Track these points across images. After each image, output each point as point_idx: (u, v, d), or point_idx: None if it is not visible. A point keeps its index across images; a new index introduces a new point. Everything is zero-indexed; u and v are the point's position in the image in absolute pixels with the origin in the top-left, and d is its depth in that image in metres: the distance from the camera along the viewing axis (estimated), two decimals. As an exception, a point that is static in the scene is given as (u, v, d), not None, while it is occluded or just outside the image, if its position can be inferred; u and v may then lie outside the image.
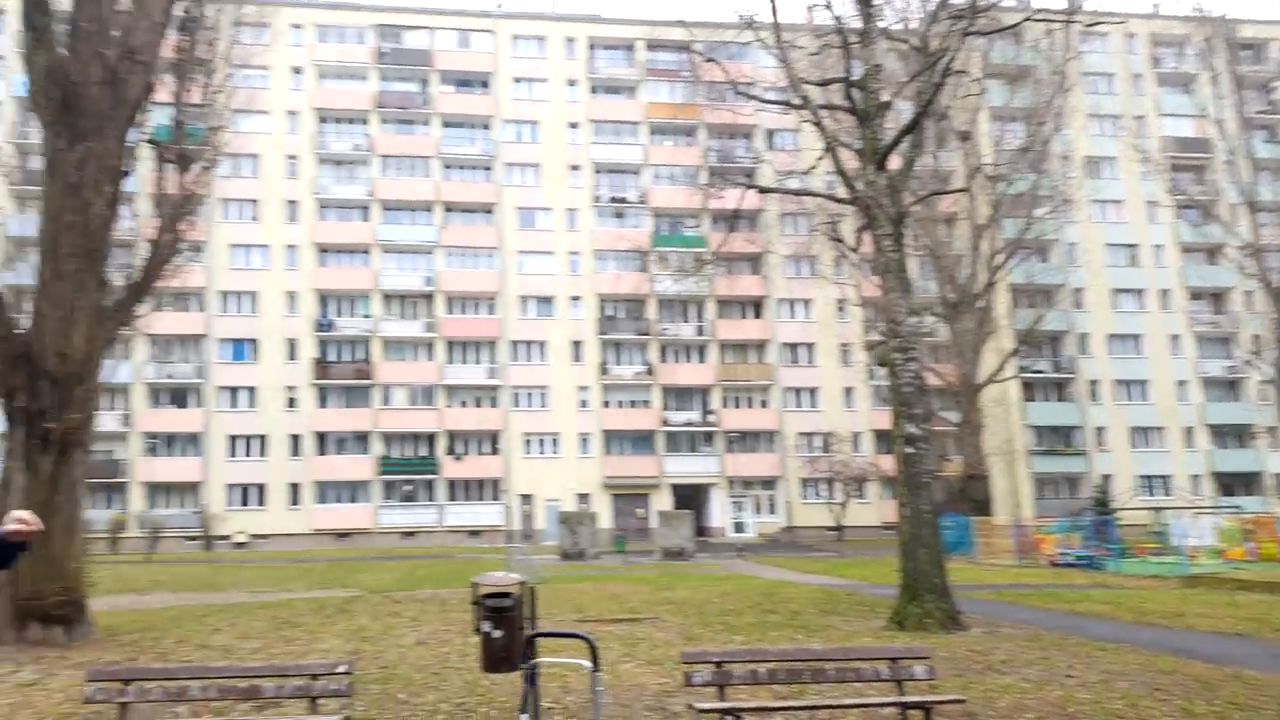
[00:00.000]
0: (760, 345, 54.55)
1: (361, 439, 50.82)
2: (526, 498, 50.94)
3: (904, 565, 14.81)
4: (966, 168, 39.21)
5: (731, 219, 22.76)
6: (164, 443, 49.51)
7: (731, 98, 27.30)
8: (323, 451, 50.36)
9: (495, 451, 51.54)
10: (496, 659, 6.19)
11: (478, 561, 32.00)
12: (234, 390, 50.29)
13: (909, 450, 14.94)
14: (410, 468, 50.73)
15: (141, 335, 45.83)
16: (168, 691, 6.77)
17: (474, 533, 49.44)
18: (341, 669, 6.74)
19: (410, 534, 49.43)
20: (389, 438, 51.11)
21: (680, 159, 55.87)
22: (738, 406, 53.98)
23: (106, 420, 48.75)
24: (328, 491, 50.15)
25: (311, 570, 29.90)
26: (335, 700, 6.82)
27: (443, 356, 52.15)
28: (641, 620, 14.98)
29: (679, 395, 53.57)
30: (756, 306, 54.84)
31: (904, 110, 22.92)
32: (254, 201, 52.07)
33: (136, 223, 16.12)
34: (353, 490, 50.39)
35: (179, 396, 50.21)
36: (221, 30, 18.86)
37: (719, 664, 7.24)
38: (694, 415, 53.23)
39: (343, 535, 48.80)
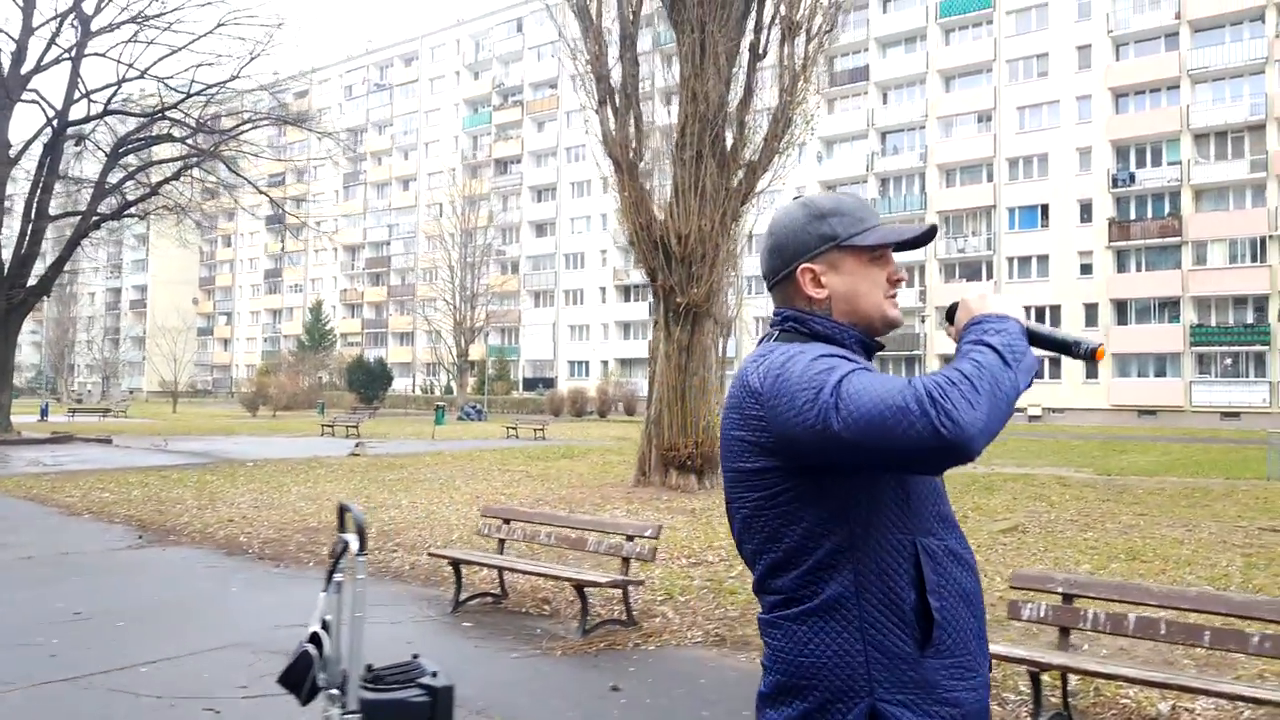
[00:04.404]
0: None
1: (1167, 305, 44.46)
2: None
3: None
4: None
5: None
6: (957, 316, 50.22)
7: None
8: (1122, 321, 45.52)
9: (1354, 316, 40.12)
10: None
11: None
12: (1024, 260, 48.43)
13: None
14: (1232, 337, 42.66)
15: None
16: (525, 532, 7.81)
17: (1318, 417, 39.39)
18: (649, 533, 6.76)
19: (1231, 414, 41.69)
20: (1202, 303, 43.71)
21: None
22: None
23: (907, 297, 51.60)
24: (1129, 364, 45.35)
25: (1075, 448, 27.27)
26: (638, 562, 6.85)
27: (1276, 200, 42.11)
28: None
29: None
30: None
31: None
32: (1043, 55, 48.57)
33: (760, 101, 15.76)
34: (1158, 363, 44.61)
35: (970, 270, 50.34)
36: None
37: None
38: None
39: (1147, 412, 43.61)
